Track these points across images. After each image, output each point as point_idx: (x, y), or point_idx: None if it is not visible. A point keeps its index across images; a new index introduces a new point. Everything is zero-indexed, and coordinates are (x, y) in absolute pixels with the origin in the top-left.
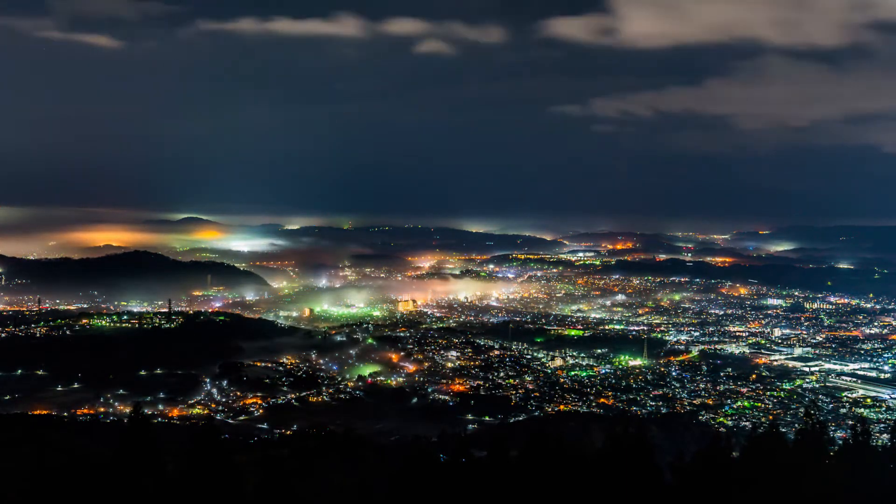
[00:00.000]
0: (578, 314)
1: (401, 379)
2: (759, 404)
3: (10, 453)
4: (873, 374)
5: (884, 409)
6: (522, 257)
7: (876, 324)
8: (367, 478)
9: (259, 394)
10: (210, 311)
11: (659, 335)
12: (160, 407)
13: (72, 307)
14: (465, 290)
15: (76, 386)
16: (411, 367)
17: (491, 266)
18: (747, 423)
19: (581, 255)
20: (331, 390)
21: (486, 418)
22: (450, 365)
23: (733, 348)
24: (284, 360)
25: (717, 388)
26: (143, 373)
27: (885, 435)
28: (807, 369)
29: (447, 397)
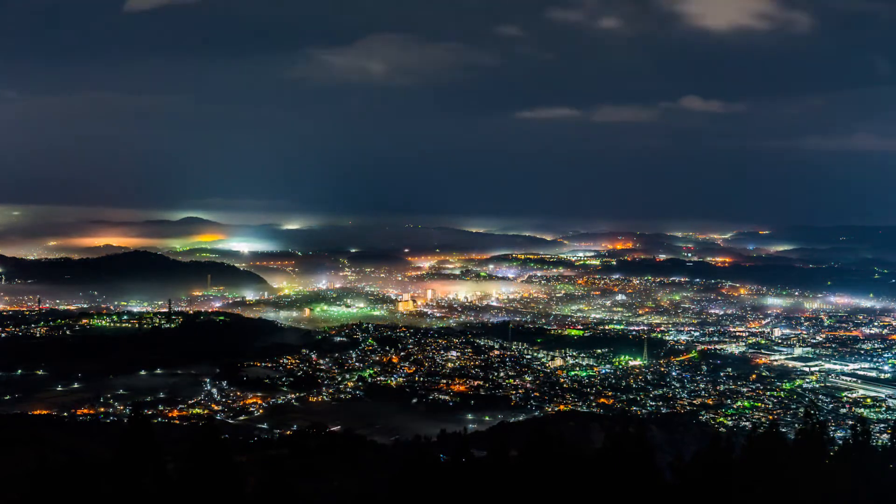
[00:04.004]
0: (578, 314)
1: (401, 379)
2: (759, 404)
3: (10, 453)
4: (873, 374)
5: (884, 409)
6: (522, 257)
7: (876, 324)
8: (367, 478)
9: (259, 394)
10: (210, 311)
11: (659, 335)
12: (160, 407)
13: (72, 307)
14: (465, 290)
15: (76, 386)
16: (411, 367)
17: (491, 266)
18: (747, 423)
19: (581, 255)
20: (331, 390)
21: (486, 418)
22: (450, 365)
23: (733, 348)
24: (284, 360)
25: (717, 388)
26: (143, 373)
27: (885, 435)
28: (807, 369)
29: (447, 397)
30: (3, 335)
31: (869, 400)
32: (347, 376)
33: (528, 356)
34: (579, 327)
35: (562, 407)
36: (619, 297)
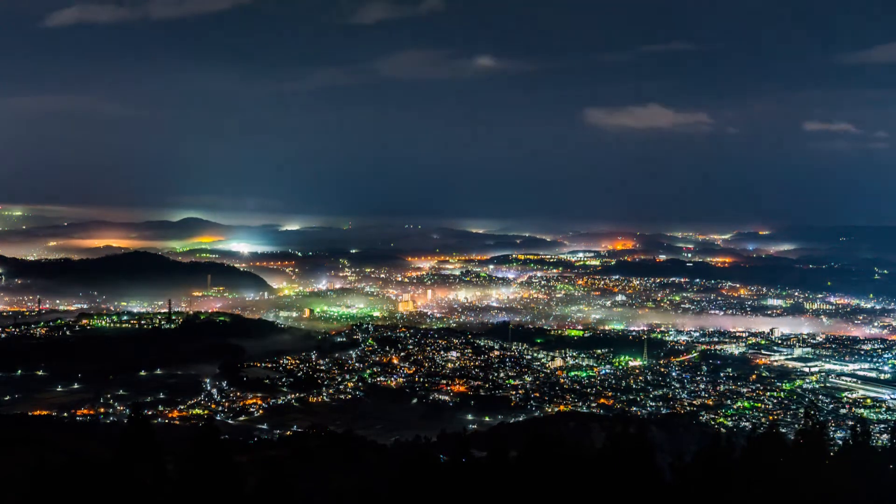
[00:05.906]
0: (578, 314)
1: (401, 379)
2: (759, 405)
3: (10, 453)
4: (873, 374)
5: (884, 409)
6: (522, 257)
7: (876, 324)
8: (367, 478)
9: (259, 394)
10: (210, 311)
11: (659, 335)
12: (160, 407)
13: (72, 307)
14: (465, 291)
15: (76, 386)
16: (411, 368)
17: (491, 266)
18: (747, 424)
19: (581, 255)
20: (331, 391)
21: (486, 418)
22: (450, 365)
23: (733, 348)
24: (284, 360)
25: (717, 388)
26: (143, 373)
27: (885, 435)
28: (807, 369)
29: (447, 397)
30: (3, 335)
31: (869, 400)
32: (347, 377)
33: (528, 357)
34: (579, 328)
35: (562, 407)
36: (619, 298)
